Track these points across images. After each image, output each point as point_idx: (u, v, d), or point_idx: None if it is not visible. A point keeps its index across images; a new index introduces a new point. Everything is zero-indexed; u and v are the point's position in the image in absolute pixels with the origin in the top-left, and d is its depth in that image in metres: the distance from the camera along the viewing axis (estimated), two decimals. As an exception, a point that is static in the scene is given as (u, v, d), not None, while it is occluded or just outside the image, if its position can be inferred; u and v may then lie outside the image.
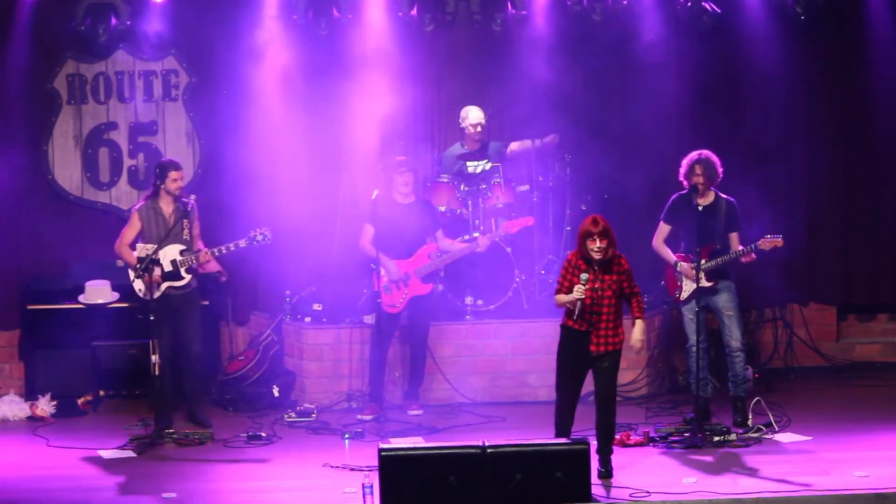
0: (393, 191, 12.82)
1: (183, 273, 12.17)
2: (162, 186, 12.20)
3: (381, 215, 12.71)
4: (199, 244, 12.31)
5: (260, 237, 12.16)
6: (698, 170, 11.73)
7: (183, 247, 12.18)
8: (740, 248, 11.76)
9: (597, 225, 10.24)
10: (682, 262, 11.81)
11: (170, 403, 12.26)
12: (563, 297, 10.35)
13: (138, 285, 12.11)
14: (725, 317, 11.91)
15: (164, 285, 12.12)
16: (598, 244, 10.23)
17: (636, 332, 10.49)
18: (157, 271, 11.98)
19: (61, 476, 11.01)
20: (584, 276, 10.26)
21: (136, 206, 12.37)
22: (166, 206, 12.22)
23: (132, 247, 12.18)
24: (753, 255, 11.82)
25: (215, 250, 12.19)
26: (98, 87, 14.00)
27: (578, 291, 10.24)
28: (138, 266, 11.96)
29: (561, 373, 10.53)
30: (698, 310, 11.69)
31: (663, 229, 11.96)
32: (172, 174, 12.18)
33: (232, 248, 12.21)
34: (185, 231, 12.18)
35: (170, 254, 12.14)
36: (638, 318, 10.47)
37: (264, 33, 13.72)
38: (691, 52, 14.09)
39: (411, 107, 13.98)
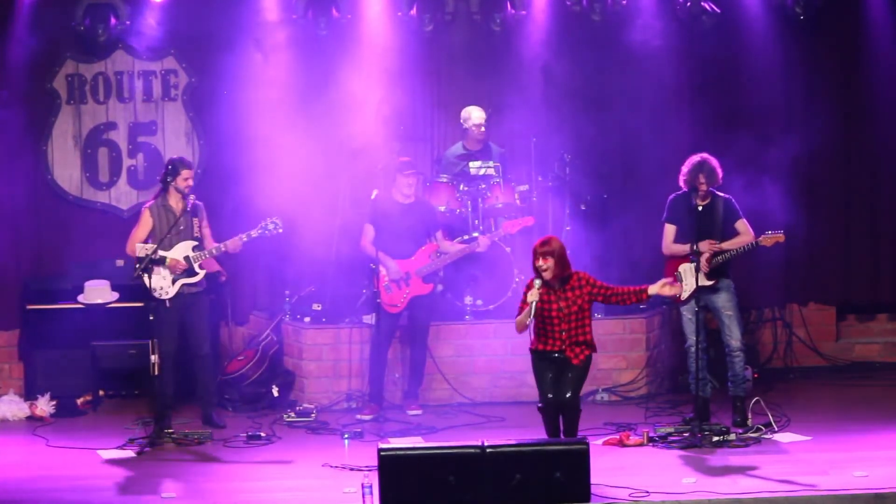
0: (394, 191, 12.81)
1: (197, 269, 12.17)
2: (172, 184, 12.18)
3: (382, 215, 12.72)
4: (212, 243, 12.30)
5: (272, 226, 12.17)
6: (702, 178, 11.71)
7: (195, 243, 12.18)
8: (751, 238, 11.71)
9: (543, 245, 10.40)
10: (700, 245, 11.68)
11: (170, 404, 12.26)
12: (520, 317, 10.40)
13: (157, 283, 12.08)
14: (725, 316, 11.90)
15: (179, 283, 12.12)
16: (539, 262, 10.37)
17: (657, 287, 10.54)
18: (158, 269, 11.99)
19: (61, 476, 11.00)
20: (537, 281, 10.37)
21: (147, 204, 12.35)
22: (176, 204, 12.19)
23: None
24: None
25: (228, 242, 12.18)
26: (97, 87, 14.01)
27: (532, 295, 10.32)
28: (138, 266, 11.96)
29: (540, 383, 10.53)
30: (697, 310, 11.69)
31: (669, 230, 11.94)
32: (184, 172, 12.16)
33: (245, 239, 12.19)
34: (196, 228, 12.18)
35: (182, 250, 12.15)
36: (643, 288, 10.51)
37: (264, 33, 13.73)
38: (691, 52, 14.10)
39: (411, 106, 14.00)
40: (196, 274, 12.17)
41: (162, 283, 12.06)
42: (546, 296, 10.41)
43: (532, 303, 10.33)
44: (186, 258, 12.12)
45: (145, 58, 14.01)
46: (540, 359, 10.53)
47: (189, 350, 12.27)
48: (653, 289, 10.53)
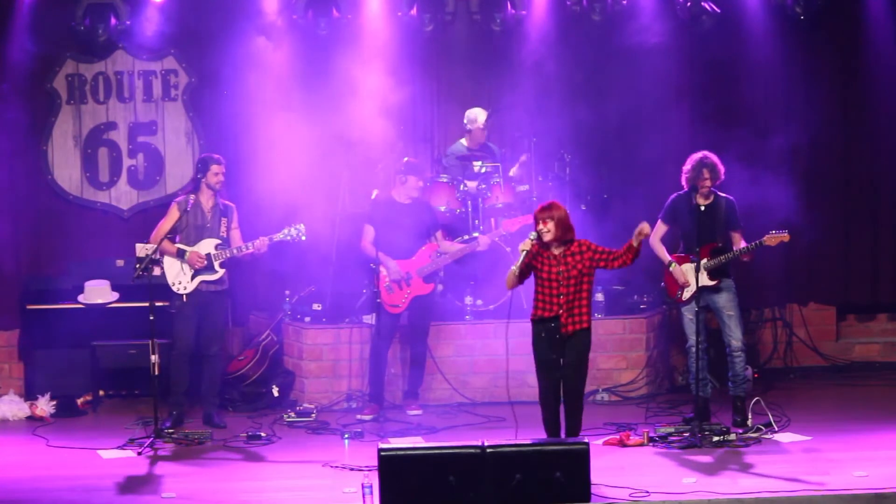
0: (396, 191, 12.80)
1: (216, 267, 12.19)
2: (203, 180, 12.22)
3: (382, 216, 12.72)
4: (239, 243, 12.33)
5: (295, 232, 12.25)
6: (706, 174, 11.72)
7: (218, 241, 12.20)
8: (744, 244, 11.75)
9: (543, 211, 10.50)
10: (676, 263, 11.81)
11: (182, 402, 12.27)
12: (512, 268, 10.46)
13: (175, 277, 12.11)
14: (726, 316, 11.90)
15: (197, 279, 12.15)
16: (540, 226, 10.46)
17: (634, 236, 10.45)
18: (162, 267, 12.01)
19: (61, 476, 11.00)
20: (532, 233, 10.48)
21: (177, 199, 12.39)
22: (206, 201, 12.24)
23: (171, 240, 12.17)
24: (752, 256, 11.86)
25: (254, 242, 12.18)
26: (97, 87, 14.01)
27: (524, 244, 10.42)
28: (138, 266, 11.96)
29: (539, 367, 10.60)
30: (698, 310, 11.69)
31: (660, 228, 11.98)
32: (214, 168, 12.20)
33: (266, 242, 12.20)
34: (223, 228, 12.21)
35: (205, 247, 12.17)
36: (629, 243, 10.46)
37: (264, 33, 13.74)
38: (691, 52, 14.10)
39: (411, 107, 13.99)
40: (216, 272, 12.19)
41: (181, 278, 12.11)
42: (546, 260, 10.48)
43: (523, 252, 10.40)
44: (208, 255, 12.16)
45: (145, 58, 14.02)
46: (539, 329, 10.55)
47: (197, 349, 12.28)
48: (633, 240, 10.47)
